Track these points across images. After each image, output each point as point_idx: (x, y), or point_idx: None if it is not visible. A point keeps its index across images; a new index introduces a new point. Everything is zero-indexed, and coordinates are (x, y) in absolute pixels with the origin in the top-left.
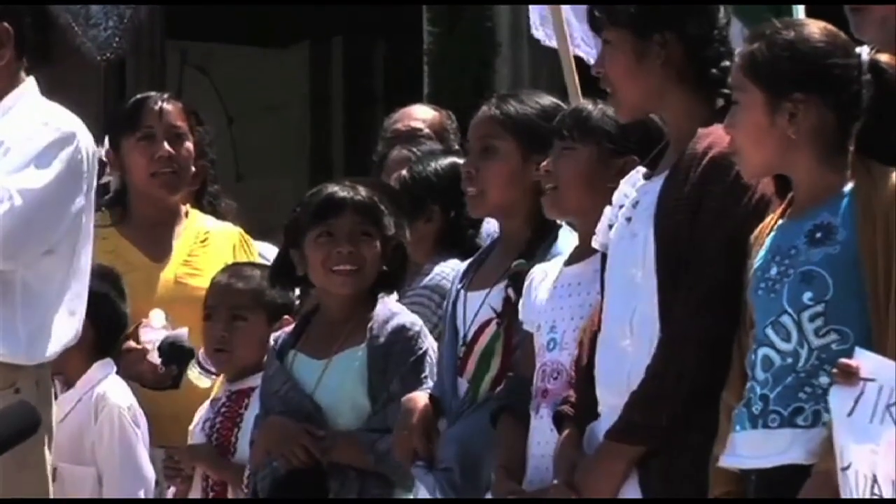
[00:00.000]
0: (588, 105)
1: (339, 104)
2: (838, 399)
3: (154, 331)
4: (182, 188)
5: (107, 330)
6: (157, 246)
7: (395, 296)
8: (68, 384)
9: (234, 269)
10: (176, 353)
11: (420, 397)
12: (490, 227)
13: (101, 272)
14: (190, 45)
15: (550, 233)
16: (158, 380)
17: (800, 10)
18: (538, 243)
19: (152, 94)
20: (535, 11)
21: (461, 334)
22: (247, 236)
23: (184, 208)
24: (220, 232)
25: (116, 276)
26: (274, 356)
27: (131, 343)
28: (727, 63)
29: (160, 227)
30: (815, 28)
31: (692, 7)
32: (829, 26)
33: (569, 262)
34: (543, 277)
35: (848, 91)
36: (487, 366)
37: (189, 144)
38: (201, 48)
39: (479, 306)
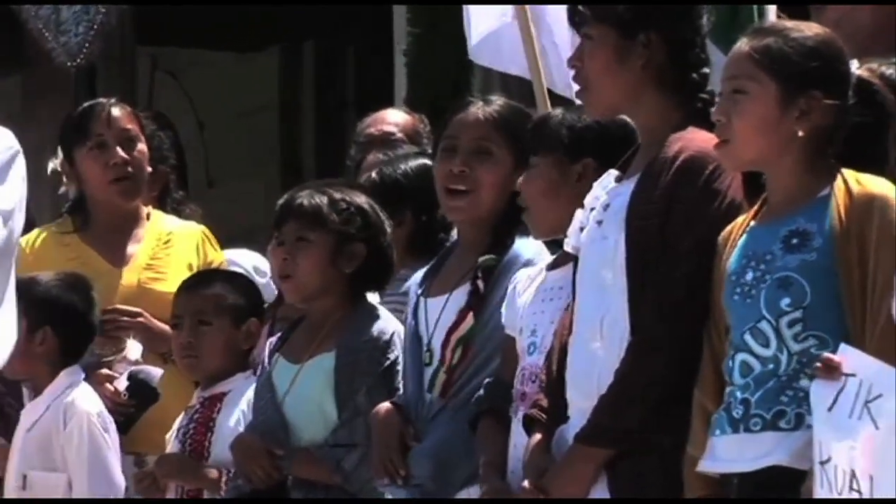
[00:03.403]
0: (548, 113)
1: (310, 109)
2: (819, 393)
3: (129, 364)
4: (141, 191)
5: (73, 339)
6: (119, 251)
7: (376, 298)
8: (36, 392)
9: (197, 277)
10: (140, 390)
11: (386, 410)
12: None
13: (71, 281)
14: (160, 50)
15: (509, 236)
16: (116, 409)
17: (771, 11)
18: (499, 247)
19: (100, 100)
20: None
21: (424, 341)
22: (209, 234)
23: (145, 210)
24: (183, 232)
25: (86, 285)
26: (265, 364)
27: (104, 370)
28: (707, 70)
29: (121, 232)
30: (825, 31)
31: (680, 10)
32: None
33: (552, 267)
34: (529, 284)
35: (847, 97)
36: (465, 353)
37: (142, 146)
38: (172, 53)
39: (440, 311)
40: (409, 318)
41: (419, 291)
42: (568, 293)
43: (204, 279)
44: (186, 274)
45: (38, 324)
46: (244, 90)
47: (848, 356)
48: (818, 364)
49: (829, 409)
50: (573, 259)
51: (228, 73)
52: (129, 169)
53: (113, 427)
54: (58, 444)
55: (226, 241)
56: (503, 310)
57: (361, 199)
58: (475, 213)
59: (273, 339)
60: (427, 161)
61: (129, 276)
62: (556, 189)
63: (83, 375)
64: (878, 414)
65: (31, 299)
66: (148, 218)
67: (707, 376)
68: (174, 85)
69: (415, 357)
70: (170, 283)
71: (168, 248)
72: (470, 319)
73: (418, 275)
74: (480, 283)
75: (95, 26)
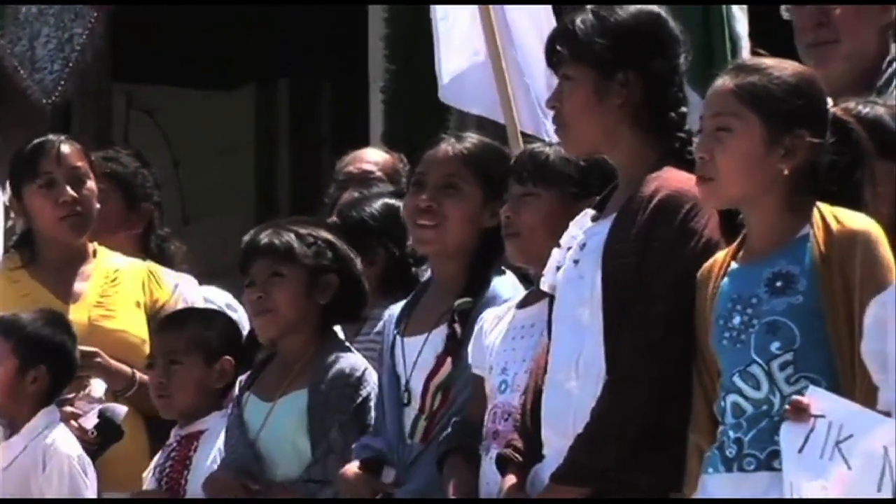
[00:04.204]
0: (544, 149)
1: (286, 146)
2: (789, 435)
3: (92, 401)
4: (89, 229)
5: (60, 378)
6: (68, 287)
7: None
8: (13, 429)
9: (171, 316)
10: (106, 427)
11: (354, 474)
12: None
13: (54, 319)
14: (136, 87)
15: (486, 276)
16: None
17: (744, 48)
18: (475, 286)
19: (50, 137)
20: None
21: (402, 380)
22: (156, 270)
23: (91, 247)
24: (129, 269)
25: (68, 323)
26: (235, 402)
27: (70, 408)
28: (685, 109)
29: (69, 269)
30: (805, 69)
31: (658, 49)
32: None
33: (522, 305)
34: (496, 323)
35: (827, 135)
36: (444, 398)
37: (91, 184)
38: (147, 91)
39: (418, 351)
40: (387, 357)
41: (396, 331)
42: (539, 331)
43: (178, 318)
44: (134, 311)
45: (32, 363)
46: (220, 127)
47: (817, 398)
48: (787, 406)
49: (800, 450)
50: (544, 297)
51: (204, 111)
52: (78, 207)
53: (91, 469)
54: (36, 486)
55: (202, 278)
56: (470, 348)
57: (327, 234)
58: (442, 245)
59: (242, 378)
60: (389, 200)
61: (79, 314)
62: (556, 224)
63: (59, 415)
64: (850, 454)
65: (22, 338)
66: (94, 255)
67: (701, 418)
68: (149, 122)
69: (392, 397)
70: (119, 321)
71: (116, 286)
72: (448, 365)
73: (394, 310)
74: (458, 328)
75: (71, 63)
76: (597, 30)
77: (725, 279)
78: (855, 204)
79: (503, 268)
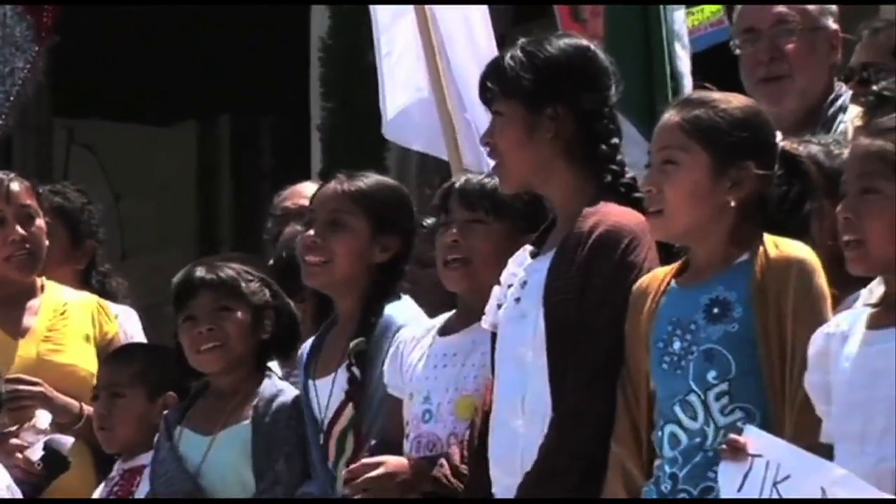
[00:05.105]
0: (493, 179)
1: (227, 181)
2: (727, 475)
3: (38, 433)
4: (38, 266)
5: None
6: (16, 322)
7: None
8: None
9: (114, 351)
10: (52, 459)
11: None
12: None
13: None
14: (77, 122)
15: (378, 309)
16: (25, 479)
17: (686, 85)
18: (369, 320)
19: None
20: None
21: (320, 423)
22: (105, 305)
23: (39, 281)
24: (79, 303)
25: None
26: (164, 437)
27: (14, 440)
28: (616, 140)
29: (17, 304)
30: (751, 102)
31: (586, 82)
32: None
33: (444, 332)
34: (415, 344)
35: (774, 167)
36: (343, 447)
37: (40, 222)
38: (88, 126)
39: (329, 392)
40: (304, 399)
41: (305, 373)
42: (463, 360)
43: (124, 352)
44: (84, 345)
45: None
46: (161, 162)
47: (753, 437)
48: (724, 446)
49: (739, 489)
50: (469, 324)
51: (145, 146)
52: (27, 245)
53: (19, 498)
54: None
55: (142, 313)
56: (385, 368)
57: (259, 272)
58: (330, 280)
59: (167, 413)
60: None
61: (28, 348)
62: (503, 253)
63: None
64: (788, 494)
65: None
66: (42, 289)
67: (622, 429)
68: (90, 157)
69: (315, 440)
70: (68, 355)
71: (65, 319)
72: (349, 410)
73: (304, 348)
74: (356, 371)
75: (12, 98)
76: (525, 65)
77: (664, 298)
78: (802, 237)
79: (399, 294)
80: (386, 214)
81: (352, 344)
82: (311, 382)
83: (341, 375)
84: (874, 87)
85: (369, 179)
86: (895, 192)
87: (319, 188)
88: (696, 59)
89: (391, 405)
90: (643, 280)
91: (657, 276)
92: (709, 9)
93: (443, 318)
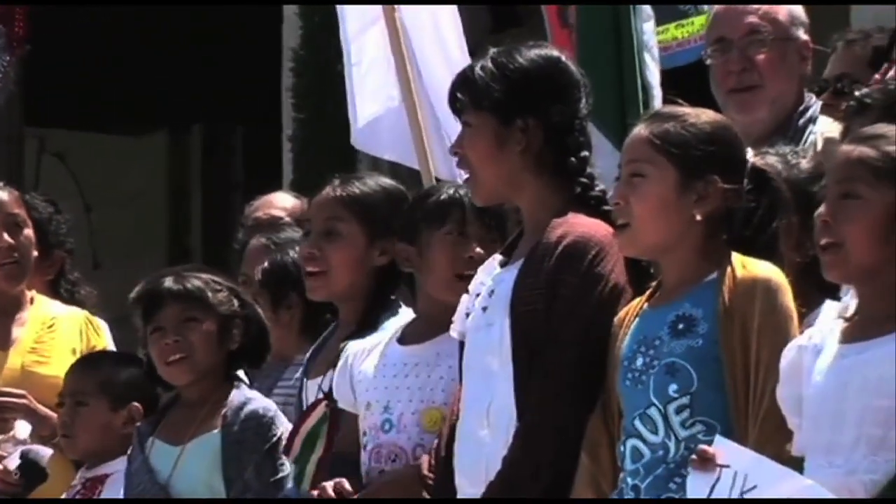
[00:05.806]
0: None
1: (198, 191)
2: (695, 485)
3: (17, 443)
4: (26, 276)
5: None
6: (5, 333)
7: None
8: None
9: (81, 359)
10: (29, 469)
11: None
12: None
13: None
14: (48, 132)
15: (375, 316)
16: (5, 488)
17: (656, 96)
18: (368, 322)
19: None
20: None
21: None
22: (94, 319)
23: (29, 294)
24: (67, 317)
25: None
26: (137, 449)
27: None
28: (586, 153)
29: (5, 315)
30: (721, 117)
31: (556, 95)
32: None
33: (403, 341)
34: (366, 356)
35: (743, 182)
36: (312, 447)
37: (28, 231)
38: (60, 135)
39: (317, 392)
40: (297, 399)
41: (302, 375)
42: (427, 370)
43: (91, 360)
44: (70, 358)
45: None
46: (132, 172)
47: (722, 448)
48: (693, 456)
49: (706, 499)
50: (434, 336)
51: (116, 156)
52: (15, 254)
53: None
54: None
55: (114, 323)
56: (334, 383)
57: (227, 281)
58: (331, 291)
59: (140, 424)
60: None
61: (13, 360)
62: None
63: None
64: None
65: None
66: (31, 302)
67: (595, 437)
68: (61, 167)
69: None
70: (53, 367)
71: (52, 332)
72: (321, 410)
73: (305, 357)
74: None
75: None
76: (495, 77)
77: (636, 320)
78: (770, 252)
79: (399, 306)
80: (381, 218)
81: (341, 346)
82: (305, 382)
83: (329, 378)
84: (856, 94)
85: (363, 183)
86: (875, 197)
87: (316, 194)
88: (684, 72)
89: (345, 418)
90: (622, 312)
91: (633, 305)
92: (699, 21)
93: (396, 326)
